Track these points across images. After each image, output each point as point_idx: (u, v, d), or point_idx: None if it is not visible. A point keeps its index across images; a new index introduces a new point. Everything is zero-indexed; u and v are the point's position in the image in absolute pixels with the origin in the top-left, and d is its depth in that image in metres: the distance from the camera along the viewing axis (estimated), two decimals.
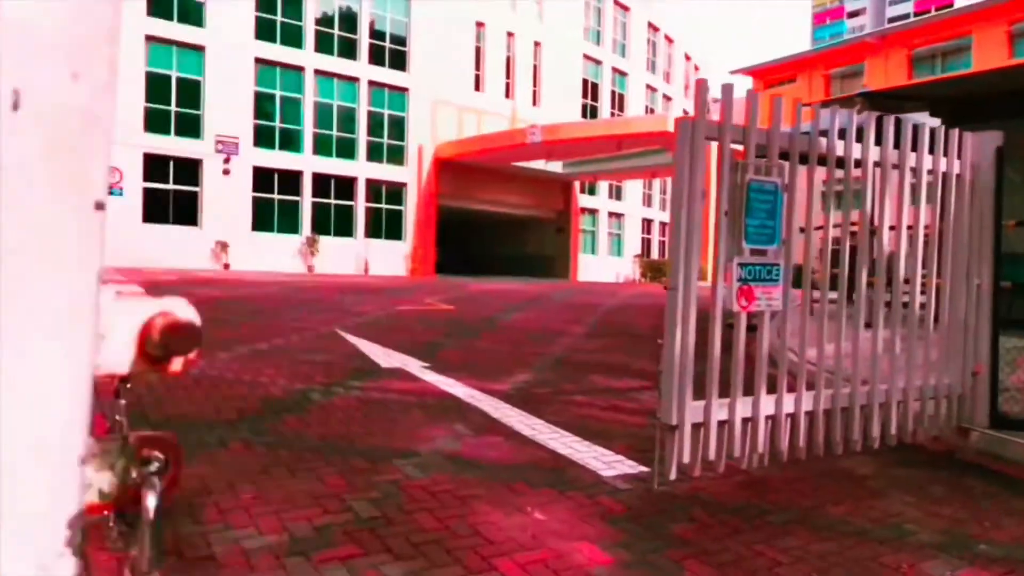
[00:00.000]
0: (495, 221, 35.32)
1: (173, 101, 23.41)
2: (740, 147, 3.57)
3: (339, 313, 10.49)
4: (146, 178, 22.74)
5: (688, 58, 44.89)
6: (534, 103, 33.00)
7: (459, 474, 3.59)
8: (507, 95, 32.02)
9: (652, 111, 39.51)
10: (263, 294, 12.99)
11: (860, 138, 4.03)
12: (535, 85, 33.43)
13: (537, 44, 33.28)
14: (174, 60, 23.45)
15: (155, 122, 23.04)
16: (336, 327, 8.87)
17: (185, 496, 3.18)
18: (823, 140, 3.88)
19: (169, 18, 23.36)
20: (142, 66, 22.62)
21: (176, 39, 23.29)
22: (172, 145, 23.19)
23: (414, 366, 6.55)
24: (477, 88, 30.72)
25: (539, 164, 30.19)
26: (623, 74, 38.75)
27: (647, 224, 40.65)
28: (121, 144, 22.01)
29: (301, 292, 13.72)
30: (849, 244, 4.03)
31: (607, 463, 3.89)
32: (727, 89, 3.50)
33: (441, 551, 2.71)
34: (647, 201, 40.73)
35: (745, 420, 3.69)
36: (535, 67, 33.46)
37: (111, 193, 22.18)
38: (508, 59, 32.25)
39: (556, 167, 31.53)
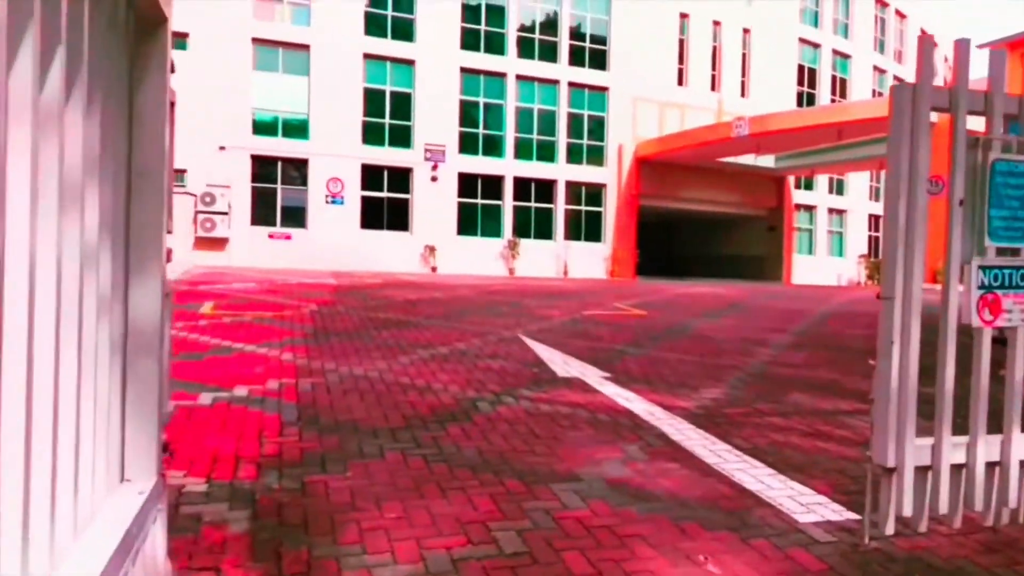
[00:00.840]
0: (699, 220, 33.89)
1: (387, 114, 25.02)
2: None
3: (526, 317, 10.38)
4: (363, 187, 24.50)
5: (924, 33, 40.07)
6: (742, 94, 31.17)
7: (623, 506, 3.17)
8: (712, 87, 30.57)
9: (881, 95, 35.75)
10: (456, 296, 13.27)
11: None
12: (743, 75, 31.58)
13: (746, 31, 31.42)
14: (388, 75, 25.06)
15: (371, 134, 24.75)
16: (520, 332, 8.73)
17: (331, 510, 3.07)
18: None
19: (383, 36, 25.00)
20: (360, 82, 24.42)
21: (389, 55, 24.87)
22: (386, 155, 24.79)
23: (593, 376, 6.17)
24: (680, 83, 29.62)
25: (748, 159, 28.40)
26: (845, 57, 35.45)
27: (874, 221, 36.82)
28: (344, 156, 23.93)
29: (493, 295, 13.87)
30: None
31: (805, 505, 3.25)
32: (961, 45, 2.74)
33: None
34: (874, 195, 36.89)
35: (991, 465, 2.89)
36: (744, 56, 31.60)
37: (334, 202, 24.24)
38: (714, 50, 30.76)
39: (768, 161, 29.50)
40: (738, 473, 3.67)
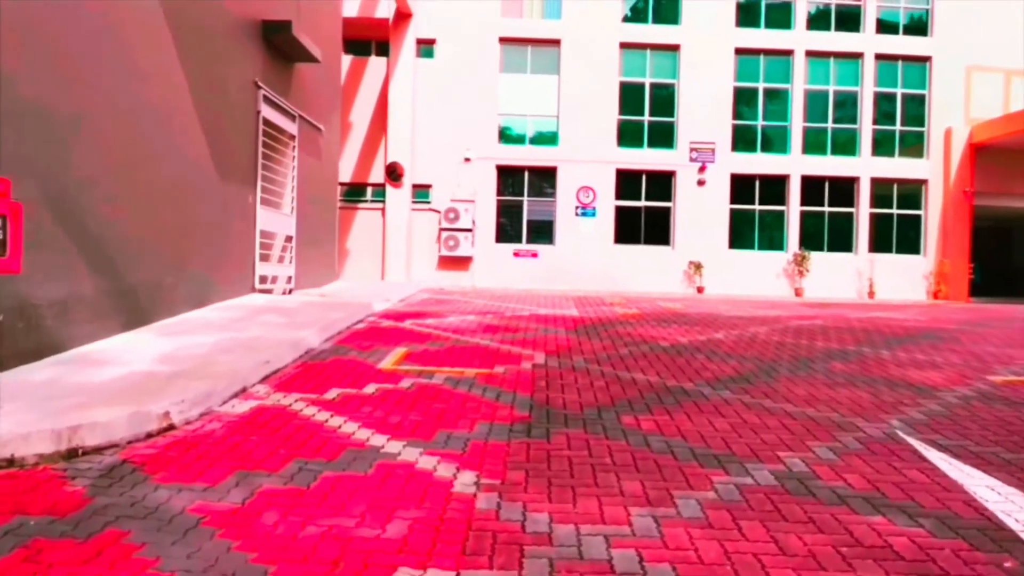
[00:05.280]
0: None
1: (646, 110, 21.74)
2: None
3: (885, 384, 6.19)
4: (617, 196, 21.45)
5: None
6: None
7: None
8: None
9: None
10: (747, 337, 9.16)
11: None
12: None
13: None
14: (647, 65, 21.78)
15: (627, 135, 21.66)
16: (895, 420, 4.83)
17: None
18: None
19: (643, 20, 21.82)
20: (615, 76, 21.45)
21: (650, 42, 21.59)
22: (644, 158, 21.50)
23: None
24: None
25: None
26: None
27: None
28: (596, 162, 21.15)
29: (806, 337, 9.37)
30: None
31: None
32: None
33: None
34: None
35: None
36: None
37: (584, 214, 21.53)
38: None
39: None
40: None
